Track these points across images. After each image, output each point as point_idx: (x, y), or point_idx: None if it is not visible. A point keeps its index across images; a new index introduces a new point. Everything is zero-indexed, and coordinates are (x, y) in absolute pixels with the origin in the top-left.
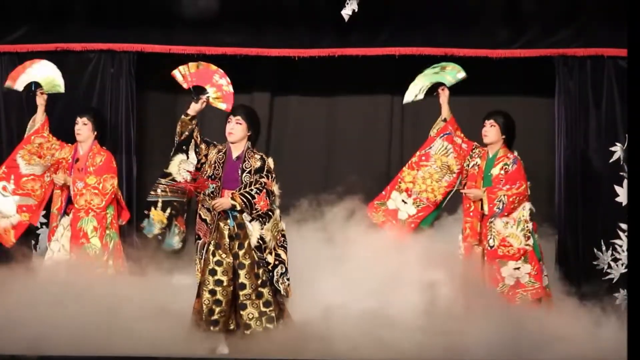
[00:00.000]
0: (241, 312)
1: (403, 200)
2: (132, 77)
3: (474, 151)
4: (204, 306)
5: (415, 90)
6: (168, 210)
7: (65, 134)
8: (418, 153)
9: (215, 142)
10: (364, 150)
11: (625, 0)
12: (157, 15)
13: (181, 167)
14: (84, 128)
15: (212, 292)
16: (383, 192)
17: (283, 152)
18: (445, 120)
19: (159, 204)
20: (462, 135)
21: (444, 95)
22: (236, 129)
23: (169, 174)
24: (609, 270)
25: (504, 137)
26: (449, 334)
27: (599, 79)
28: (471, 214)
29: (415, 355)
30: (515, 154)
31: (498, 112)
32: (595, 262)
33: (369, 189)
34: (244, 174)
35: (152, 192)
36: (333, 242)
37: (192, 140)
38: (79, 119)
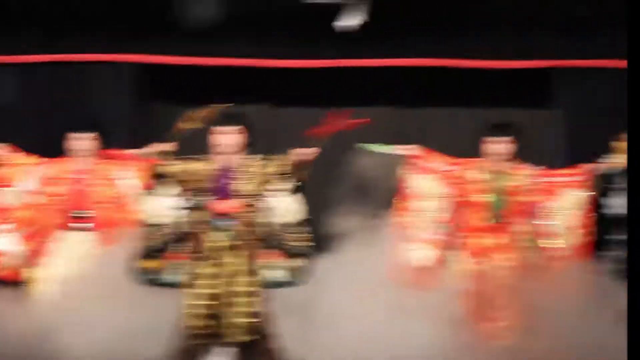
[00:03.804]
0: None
1: None
2: (133, 88)
3: None
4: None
5: None
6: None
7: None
8: None
9: (197, 156)
10: None
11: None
12: (158, 26)
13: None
14: None
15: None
16: None
17: None
18: None
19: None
20: None
21: None
22: (236, 140)
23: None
24: None
25: None
26: None
27: (603, 89)
28: None
29: None
30: None
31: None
32: None
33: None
34: (244, 183)
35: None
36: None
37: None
38: None
